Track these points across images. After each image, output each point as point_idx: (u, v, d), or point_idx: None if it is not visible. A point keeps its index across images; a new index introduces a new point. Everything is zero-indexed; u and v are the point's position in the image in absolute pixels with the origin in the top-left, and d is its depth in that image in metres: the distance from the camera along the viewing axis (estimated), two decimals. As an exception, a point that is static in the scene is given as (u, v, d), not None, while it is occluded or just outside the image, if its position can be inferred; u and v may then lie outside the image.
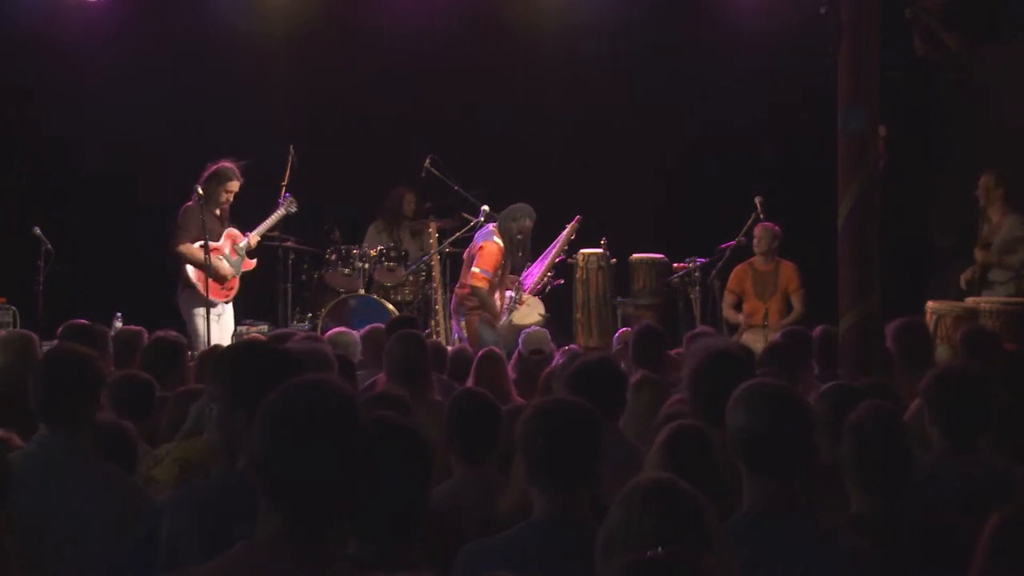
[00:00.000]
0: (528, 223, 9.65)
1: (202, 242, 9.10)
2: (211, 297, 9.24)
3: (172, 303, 9.41)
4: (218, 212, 9.31)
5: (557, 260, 10.20)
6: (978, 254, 9.03)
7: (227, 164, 9.25)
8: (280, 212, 9.78)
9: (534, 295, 9.97)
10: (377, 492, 2.77)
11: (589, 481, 3.24)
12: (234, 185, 9.28)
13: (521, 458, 3.33)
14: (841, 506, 3.65)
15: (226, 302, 9.42)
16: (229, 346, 6.81)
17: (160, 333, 6.46)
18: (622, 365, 6.73)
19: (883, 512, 3.48)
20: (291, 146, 10.40)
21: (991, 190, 8.98)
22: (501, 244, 9.56)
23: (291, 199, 9.84)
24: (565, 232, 10.14)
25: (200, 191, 9.08)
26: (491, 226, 9.72)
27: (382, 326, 7.40)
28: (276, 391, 2.52)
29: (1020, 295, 8.67)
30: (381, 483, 2.79)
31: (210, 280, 9.20)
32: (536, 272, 10.08)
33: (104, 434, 3.97)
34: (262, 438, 2.47)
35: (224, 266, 9.32)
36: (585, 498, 3.22)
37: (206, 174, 9.20)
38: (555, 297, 10.20)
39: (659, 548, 2.25)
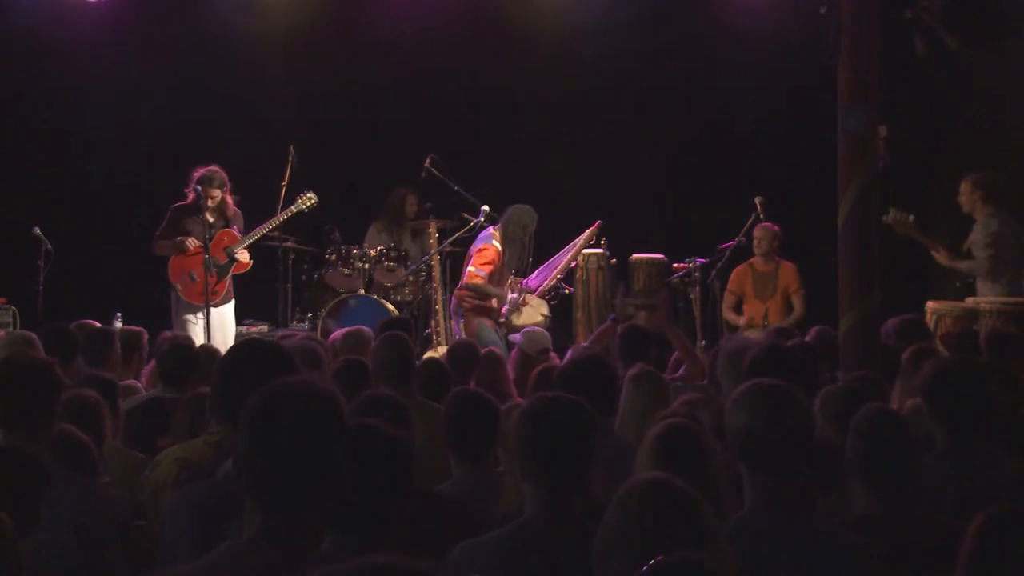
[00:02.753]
0: (531, 226, 9.64)
1: (179, 239, 9.16)
2: (192, 301, 9.26)
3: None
4: (209, 216, 9.21)
5: (572, 265, 10.19)
6: (938, 257, 9.11)
7: (214, 168, 9.26)
8: (292, 209, 9.74)
9: (542, 299, 9.98)
10: (353, 493, 2.77)
11: (581, 479, 3.23)
12: (215, 192, 9.23)
13: (515, 455, 3.32)
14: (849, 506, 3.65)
15: (214, 305, 9.24)
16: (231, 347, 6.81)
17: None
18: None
19: (890, 514, 3.47)
20: (291, 146, 10.40)
21: (970, 195, 9.00)
22: (500, 248, 9.56)
23: (309, 195, 9.79)
24: (583, 236, 10.12)
25: (200, 190, 9.09)
26: (491, 229, 9.72)
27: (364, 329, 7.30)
28: (259, 391, 2.53)
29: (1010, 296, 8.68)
30: (357, 484, 2.79)
31: (193, 285, 9.21)
32: (546, 275, 10.08)
33: (59, 442, 3.95)
34: (244, 438, 2.48)
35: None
36: (577, 496, 3.22)
37: (197, 175, 9.21)
38: (556, 297, 10.20)
39: (658, 555, 2.24)
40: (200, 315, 9.20)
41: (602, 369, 4.74)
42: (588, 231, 10.11)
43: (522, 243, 9.64)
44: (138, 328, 7.20)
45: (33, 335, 6.20)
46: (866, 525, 3.43)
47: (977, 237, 8.92)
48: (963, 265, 8.98)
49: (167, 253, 9.32)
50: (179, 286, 9.30)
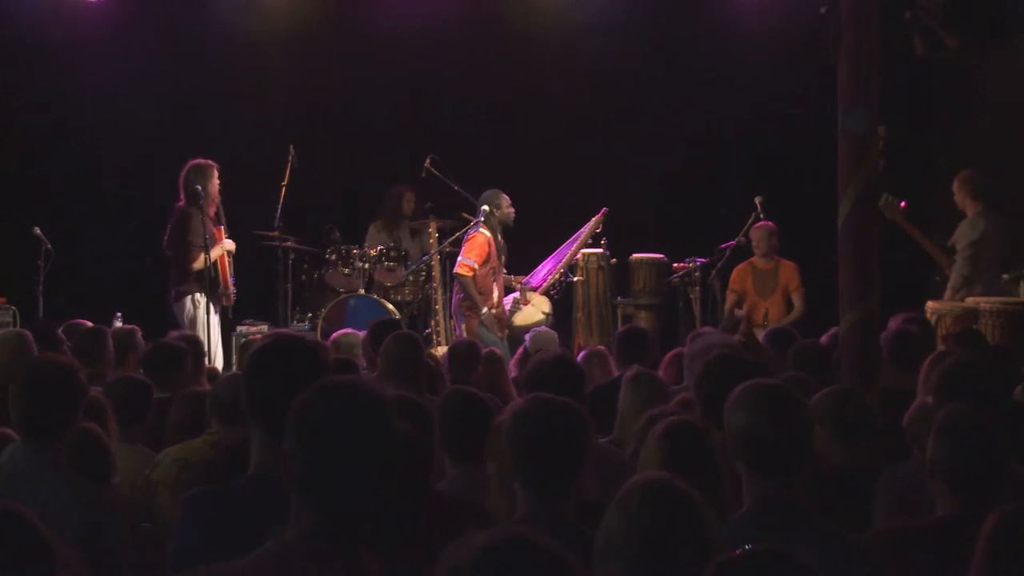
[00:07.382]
0: (509, 207, 9.62)
1: (224, 243, 8.99)
2: (227, 303, 9.16)
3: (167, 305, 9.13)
4: (213, 211, 9.02)
5: (577, 256, 10.20)
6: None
7: (199, 160, 8.97)
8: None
9: (547, 294, 9.96)
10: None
11: (573, 480, 3.22)
12: (216, 182, 8.97)
13: (507, 456, 3.31)
14: (847, 506, 3.64)
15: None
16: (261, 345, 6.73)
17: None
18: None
19: (974, 515, 3.44)
20: (291, 146, 10.40)
21: (958, 191, 9.02)
22: (488, 235, 9.53)
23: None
24: (589, 225, 10.12)
25: (200, 190, 8.93)
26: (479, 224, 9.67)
27: None
28: (309, 390, 2.51)
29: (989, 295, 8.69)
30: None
31: (233, 286, 9.08)
32: (550, 269, 10.06)
33: (77, 442, 3.89)
34: (294, 437, 2.47)
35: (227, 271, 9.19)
36: (569, 497, 3.21)
37: (185, 174, 8.89)
38: (561, 292, 10.21)
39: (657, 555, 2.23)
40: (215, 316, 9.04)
41: (567, 371, 4.70)
42: (594, 219, 10.12)
43: (507, 224, 9.61)
44: (131, 326, 7.16)
45: (27, 332, 6.18)
46: (948, 526, 3.41)
47: (961, 237, 8.92)
48: (947, 269, 9.02)
49: (201, 264, 8.78)
50: (233, 290, 9.02)
